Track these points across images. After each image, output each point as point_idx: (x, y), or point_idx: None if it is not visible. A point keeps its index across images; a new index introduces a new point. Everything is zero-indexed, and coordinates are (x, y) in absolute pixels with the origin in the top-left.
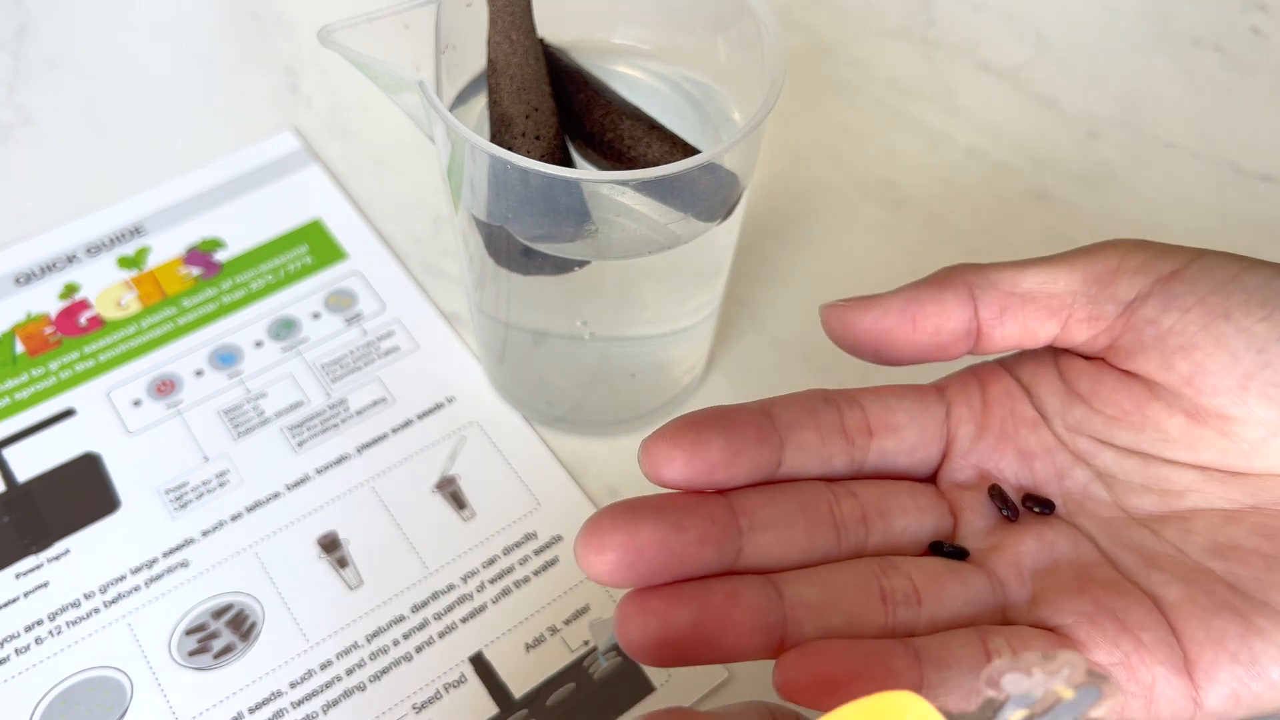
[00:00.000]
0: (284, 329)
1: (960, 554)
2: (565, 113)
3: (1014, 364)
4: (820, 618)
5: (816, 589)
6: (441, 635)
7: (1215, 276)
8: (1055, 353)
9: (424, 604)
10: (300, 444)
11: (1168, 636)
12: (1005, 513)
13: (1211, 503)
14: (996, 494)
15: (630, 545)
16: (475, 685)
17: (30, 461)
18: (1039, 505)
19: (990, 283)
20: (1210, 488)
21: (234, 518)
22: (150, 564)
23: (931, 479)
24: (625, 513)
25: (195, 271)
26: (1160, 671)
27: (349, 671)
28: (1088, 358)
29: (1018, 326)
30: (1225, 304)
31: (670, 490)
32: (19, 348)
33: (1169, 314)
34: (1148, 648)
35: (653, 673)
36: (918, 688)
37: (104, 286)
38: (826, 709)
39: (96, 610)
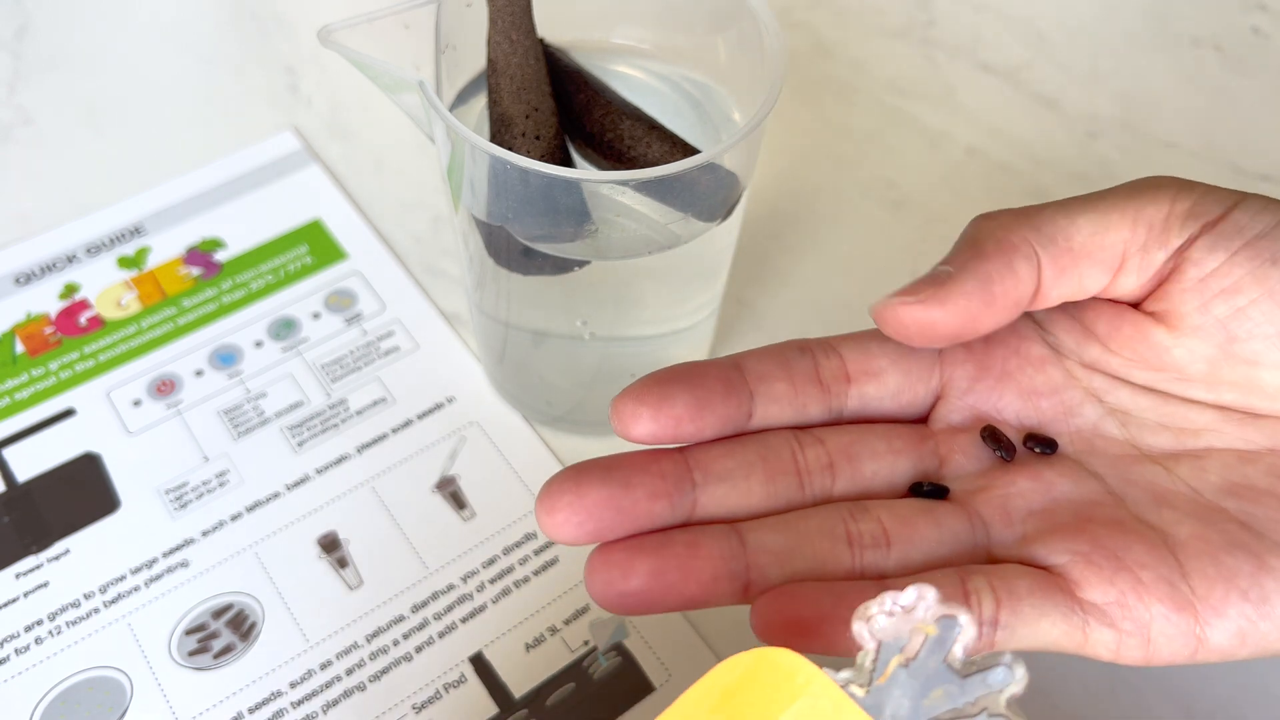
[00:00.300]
0: (284, 329)
1: (939, 493)
2: (565, 113)
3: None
4: (784, 563)
5: (779, 535)
6: (441, 635)
7: (1262, 220)
8: None
9: (424, 604)
10: (300, 444)
11: (1169, 574)
12: (1000, 454)
13: (1228, 443)
14: (989, 435)
15: (579, 505)
16: (475, 685)
17: (30, 461)
18: (1040, 445)
19: (1050, 238)
20: (1228, 428)
21: (234, 518)
22: (150, 564)
23: (924, 422)
24: (574, 475)
25: (195, 271)
26: (1159, 610)
27: (349, 671)
28: (1109, 300)
29: (1072, 283)
30: (1273, 249)
31: (641, 447)
32: (19, 348)
33: (1214, 256)
34: (1146, 585)
35: (653, 672)
36: None
37: (104, 286)
38: (803, 651)
39: (96, 610)
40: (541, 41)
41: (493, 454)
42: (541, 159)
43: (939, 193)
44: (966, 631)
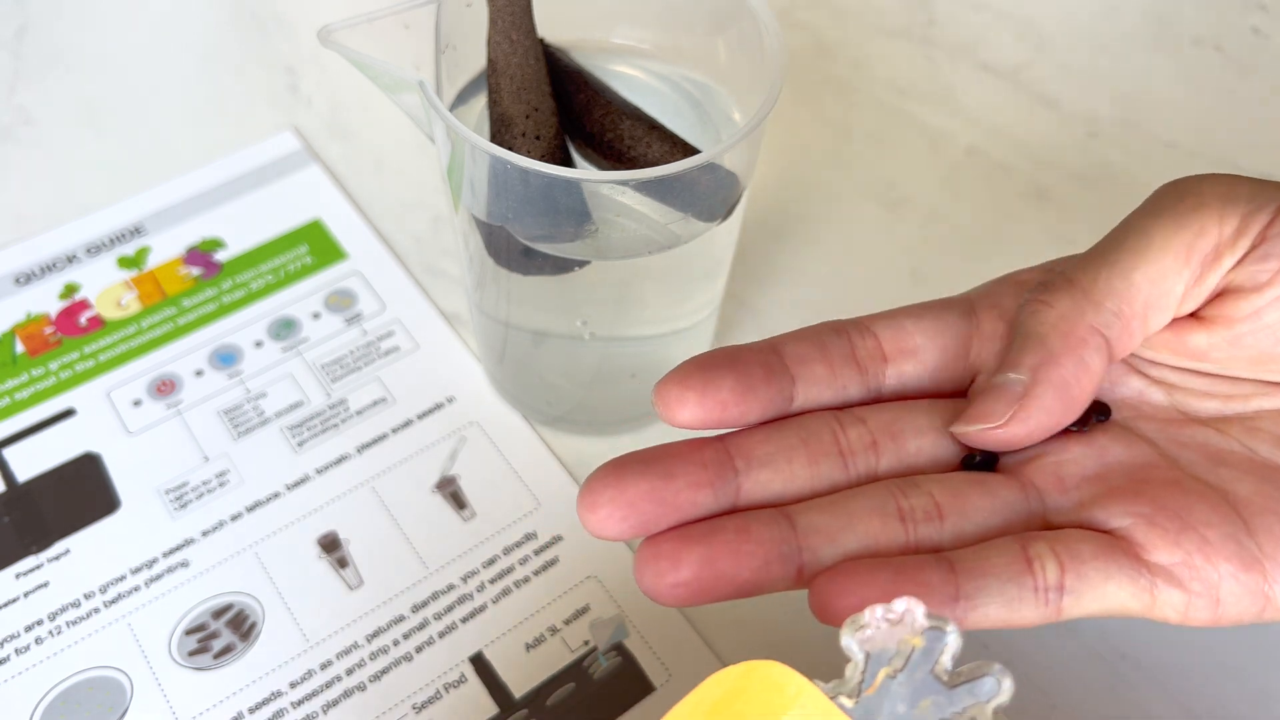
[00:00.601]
0: (284, 329)
1: (990, 464)
2: (565, 113)
3: (1055, 262)
4: (836, 543)
5: (829, 515)
6: (441, 635)
7: None
8: None
9: (424, 604)
10: (300, 444)
11: (1235, 532)
12: (1074, 427)
13: (1279, 404)
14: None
15: (620, 500)
16: (475, 685)
17: (30, 461)
18: (1097, 413)
19: (1113, 315)
20: (1277, 392)
21: (234, 518)
22: (150, 564)
23: (964, 394)
24: (615, 469)
25: (195, 271)
26: (1227, 569)
27: (349, 671)
28: None
29: (1138, 339)
30: None
31: (681, 436)
32: (19, 348)
33: (1266, 267)
34: (1213, 545)
35: (653, 672)
36: (954, 599)
37: (104, 286)
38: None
39: (96, 610)
40: (541, 41)
41: (493, 454)
42: (541, 159)
43: (939, 193)
44: (953, 642)
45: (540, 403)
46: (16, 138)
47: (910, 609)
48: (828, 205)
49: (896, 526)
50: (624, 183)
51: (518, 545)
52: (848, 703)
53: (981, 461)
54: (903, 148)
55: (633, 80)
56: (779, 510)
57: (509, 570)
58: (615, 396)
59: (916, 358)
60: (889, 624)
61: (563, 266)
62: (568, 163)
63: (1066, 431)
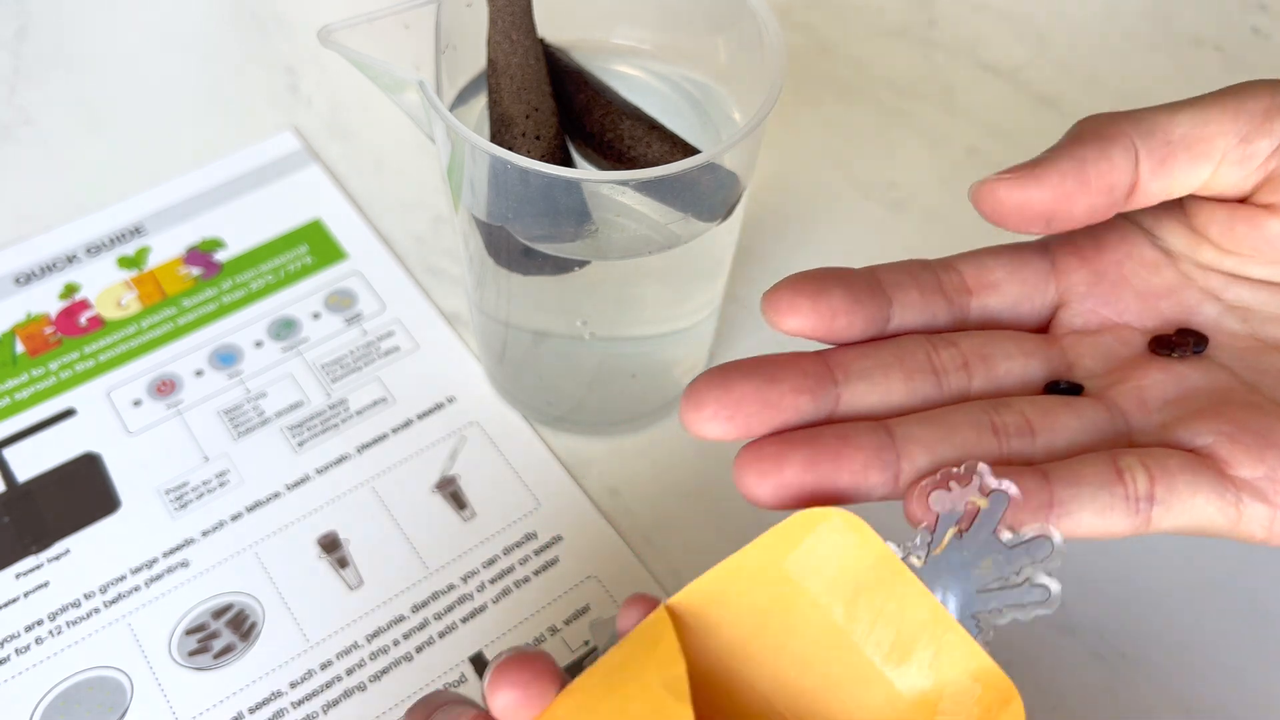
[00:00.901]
0: (284, 329)
1: (1075, 389)
2: (565, 113)
3: (1132, 214)
4: (933, 452)
5: (926, 427)
6: (441, 635)
7: None
8: (1178, 201)
9: (424, 604)
10: (300, 444)
11: None
12: (1174, 354)
13: None
14: (1157, 342)
15: (726, 400)
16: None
17: (30, 461)
18: (1196, 343)
19: (1148, 131)
20: None
21: (234, 518)
22: (150, 564)
23: (1044, 330)
24: (720, 372)
25: (195, 271)
26: None
27: (349, 671)
28: (1218, 200)
29: (1174, 176)
30: None
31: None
32: (19, 348)
33: None
34: None
35: None
36: (1049, 506)
37: (104, 286)
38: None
39: (96, 610)
40: (541, 41)
41: (493, 454)
42: (541, 159)
43: (939, 193)
44: (1014, 504)
45: (540, 403)
46: (16, 138)
47: (975, 470)
48: (828, 205)
49: (991, 440)
50: (624, 183)
51: (518, 545)
52: (916, 562)
53: (1067, 388)
54: (903, 148)
55: (633, 80)
56: (878, 422)
57: (509, 570)
58: (615, 396)
59: (998, 291)
60: (957, 486)
61: (563, 266)
62: (568, 163)
63: (1162, 357)
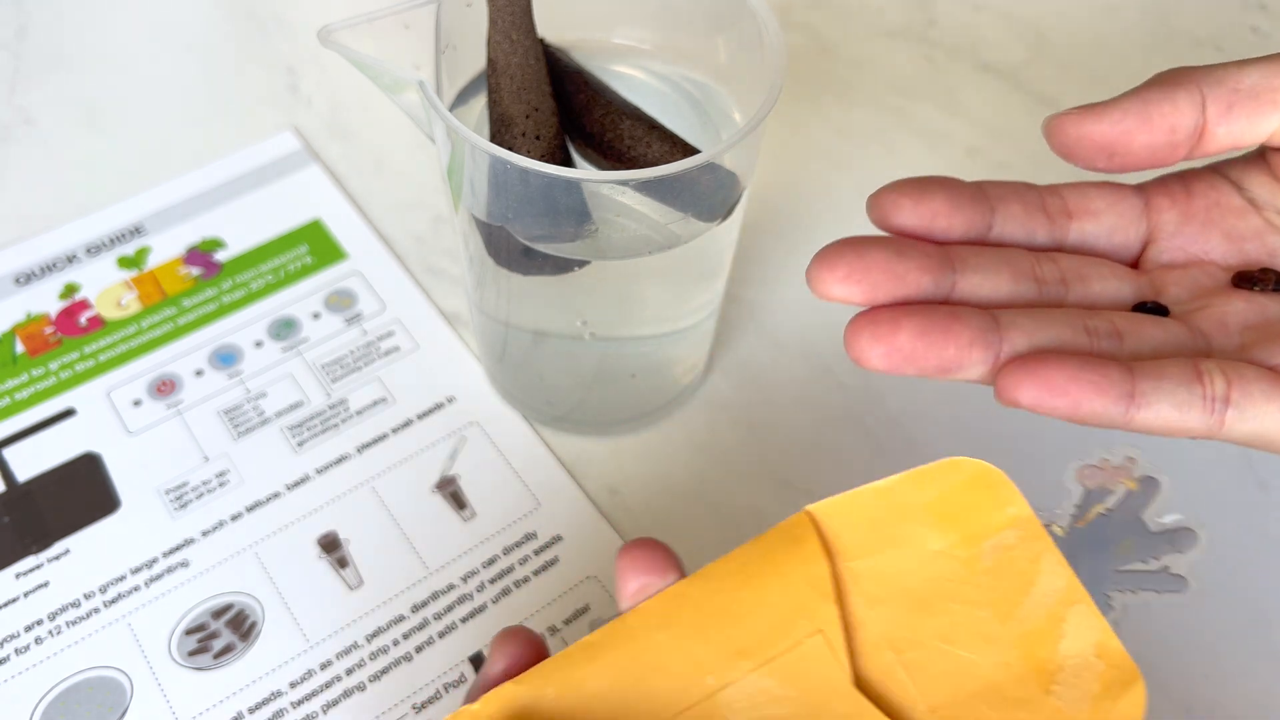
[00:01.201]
0: (284, 329)
1: (1161, 310)
2: (565, 113)
3: (1219, 165)
4: (1031, 338)
5: (1027, 317)
6: (441, 635)
7: None
8: (1263, 152)
9: (424, 604)
10: (300, 444)
11: None
12: (1256, 287)
13: None
14: (1240, 278)
15: (859, 264)
16: None
17: (30, 461)
18: (1279, 280)
19: (1218, 80)
20: None
21: (234, 518)
22: (150, 564)
23: (1133, 265)
24: (853, 241)
25: (195, 271)
26: None
27: (349, 671)
28: None
29: (1241, 122)
30: None
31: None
32: (19, 348)
33: None
34: None
35: None
36: (1130, 395)
37: (104, 286)
38: (1044, 410)
39: (96, 610)
40: (541, 41)
41: (493, 454)
42: (541, 159)
43: None
44: (1165, 494)
45: (540, 403)
46: (16, 138)
47: (1133, 458)
48: (828, 205)
49: (1084, 338)
50: (624, 183)
51: (518, 545)
52: (1059, 531)
53: (1154, 307)
54: (903, 148)
55: (633, 80)
56: (986, 312)
57: (509, 570)
58: (615, 396)
59: (1097, 219)
60: (1111, 469)
61: (563, 266)
62: (568, 163)
63: (1244, 290)
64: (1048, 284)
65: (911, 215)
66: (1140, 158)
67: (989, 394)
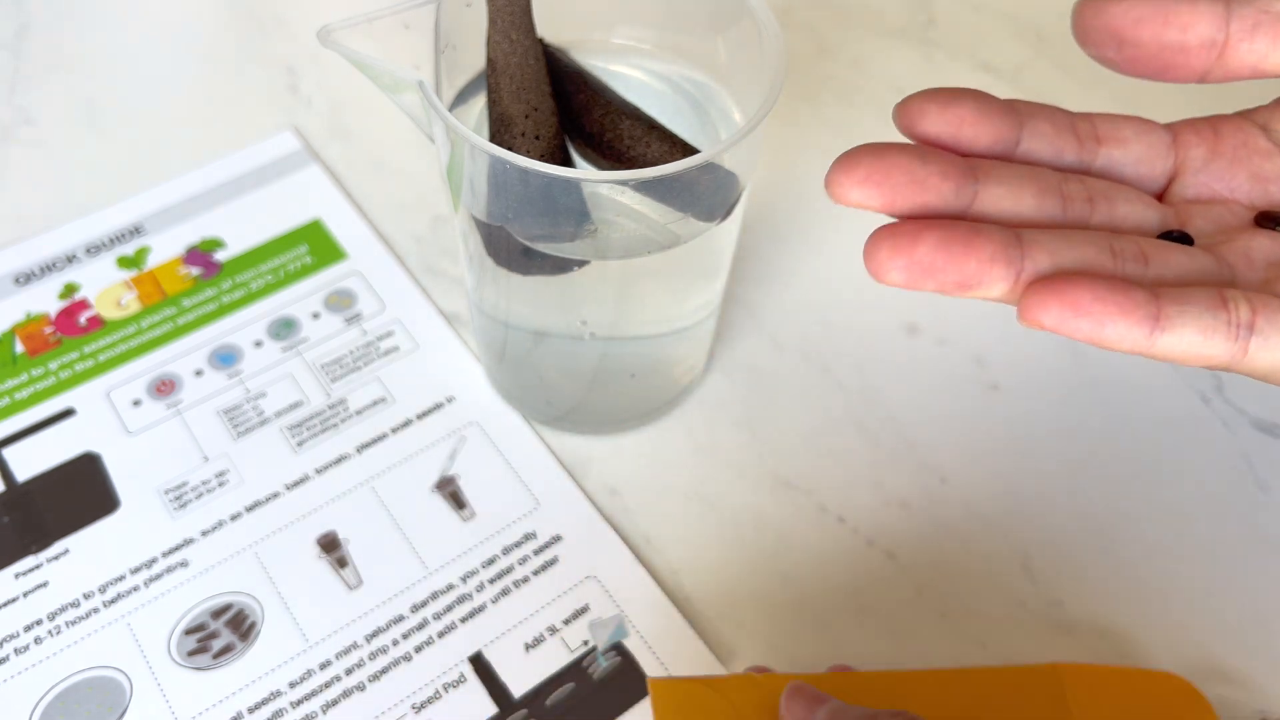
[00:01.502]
0: (284, 329)
1: (1186, 239)
2: (565, 113)
3: (1249, 111)
4: (1055, 259)
5: (1051, 236)
6: (441, 635)
7: None
8: None
9: (423, 604)
10: (300, 444)
11: None
12: (1277, 227)
13: None
14: (1264, 217)
15: (879, 165)
16: (475, 685)
17: (30, 461)
18: None
19: (1246, 1)
20: None
21: (234, 518)
22: (150, 564)
23: (1159, 198)
24: (874, 146)
25: (195, 271)
26: None
27: (348, 671)
28: None
29: (1265, 43)
30: None
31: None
32: (19, 348)
33: None
34: None
35: (652, 673)
36: (1155, 318)
37: (104, 286)
38: (1066, 331)
39: (96, 610)
40: (541, 41)
41: (493, 454)
42: (541, 159)
43: None
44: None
45: (540, 403)
46: (16, 138)
47: None
48: (828, 205)
49: (1109, 260)
50: (624, 183)
51: (517, 545)
52: None
53: (1179, 235)
54: None
55: (633, 80)
56: (1008, 227)
57: (508, 570)
58: (615, 396)
59: (1125, 146)
60: None
61: (563, 266)
62: (568, 163)
63: (1267, 229)
64: (1074, 202)
65: (938, 121)
66: (1149, 53)
67: (989, 394)
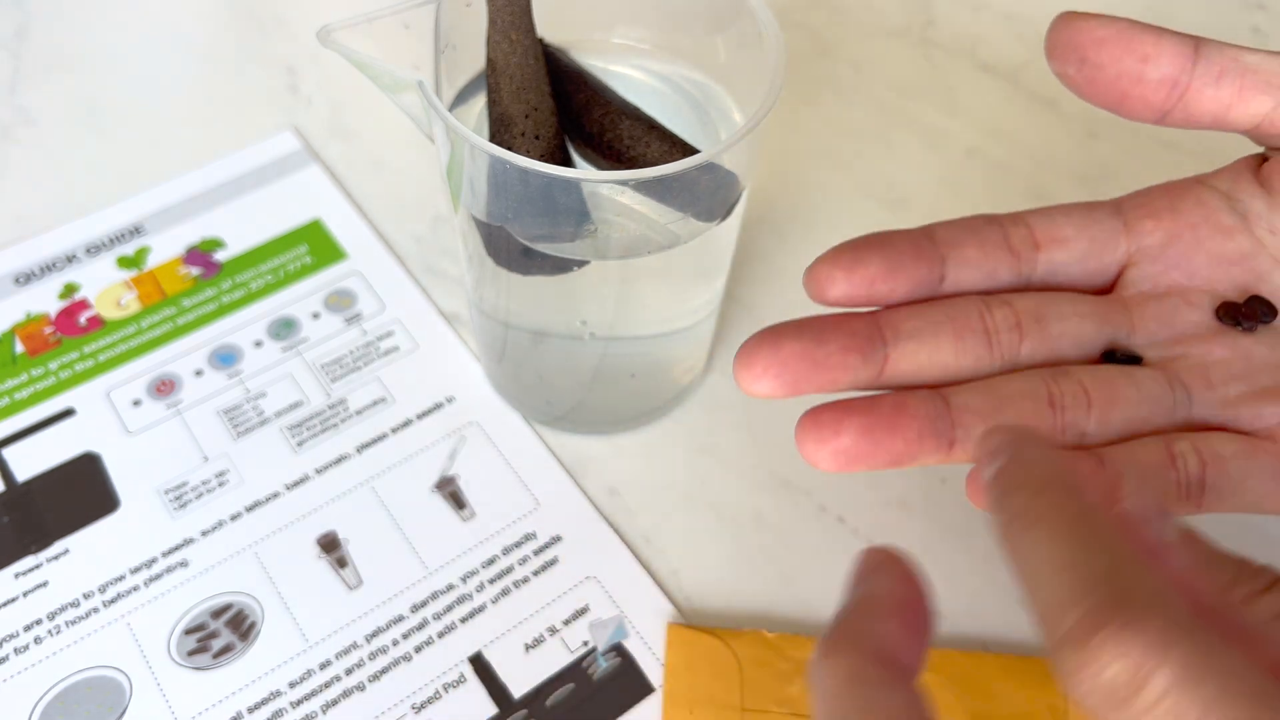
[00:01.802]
0: (284, 329)
1: (1134, 360)
2: (565, 113)
3: (1208, 177)
4: (988, 421)
5: (982, 397)
6: (441, 635)
7: None
8: (1255, 162)
9: (423, 604)
10: (300, 444)
11: None
12: (1241, 325)
13: None
14: (1224, 310)
15: (775, 358)
16: (474, 685)
17: (30, 461)
18: (1264, 313)
19: (1218, 48)
20: None
21: (233, 517)
22: (149, 564)
23: (1109, 291)
24: (770, 333)
25: (195, 271)
26: None
27: (348, 671)
28: None
29: (1230, 93)
30: None
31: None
32: (19, 348)
33: None
34: None
35: (652, 673)
36: (1113, 498)
37: (104, 286)
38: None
39: (95, 610)
40: (541, 41)
41: (492, 454)
42: (541, 159)
43: (939, 193)
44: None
45: (540, 403)
46: (16, 138)
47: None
48: (828, 205)
49: (1047, 412)
50: (624, 183)
51: (517, 545)
52: None
53: (1125, 358)
54: (903, 148)
55: (633, 80)
56: (934, 390)
57: (508, 570)
58: (615, 396)
59: (1067, 247)
60: None
61: (562, 266)
62: (567, 163)
63: (1228, 327)
64: (999, 334)
65: (845, 287)
66: (1107, 77)
67: None
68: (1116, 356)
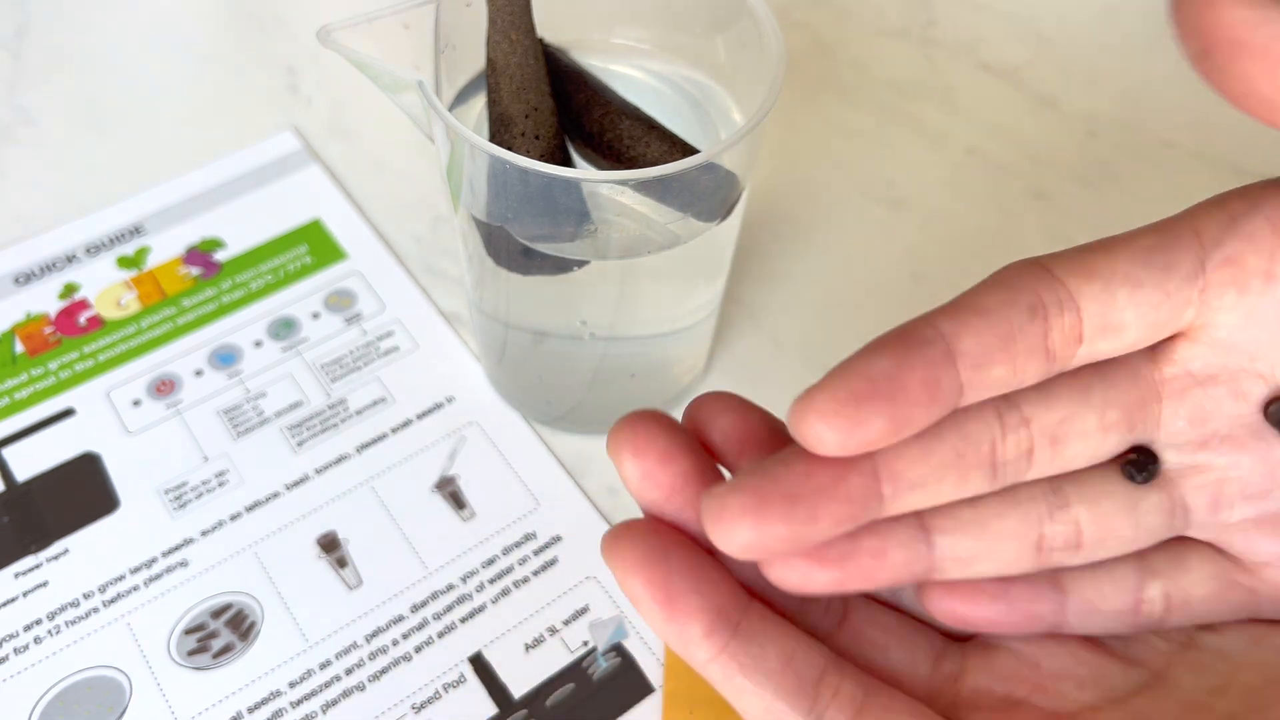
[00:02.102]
0: (284, 329)
1: (1150, 466)
2: (565, 113)
3: None
4: (967, 569)
5: (970, 540)
6: (441, 635)
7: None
8: None
9: (423, 604)
10: (300, 444)
11: None
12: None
13: None
14: (1276, 411)
15: (759, 544)
16: (474, 685)
17: (30, 461)
18: (1149, 464)
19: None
20: None
21: (233, 517)
22: (149, 564)
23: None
24: (756, 499)
25: (195, 271)
26: None
27: (348, 671)
28: None
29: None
30: None
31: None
32: (19, 348)
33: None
34: None
35: (652, 673)
36: (1060, 627)
37: (104, 286)
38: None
39: (95, 610)
40: (541, 41)
41: (492, 454)
42: (541, 159)
43: (939, 193)
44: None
45: (540, 403)
46: (16, 138)
47: None
48: (828, 205)
49: (1031, 556)
50: (624, 183)
51: (517, 545)
52: None
53: (1143, 473)
54: (903, 148)
55: (633, 80)
56: (920, 526)
57: (508, 570)
58: (615, 396)
59: (1118, 335)
60: None
61: (562, 266)
62: (567, 163)
63: (1269, 428)
64: (1006, 465)
65: (839, 446)
66: (1247, 70)
67: None
68: (1133, 460)
